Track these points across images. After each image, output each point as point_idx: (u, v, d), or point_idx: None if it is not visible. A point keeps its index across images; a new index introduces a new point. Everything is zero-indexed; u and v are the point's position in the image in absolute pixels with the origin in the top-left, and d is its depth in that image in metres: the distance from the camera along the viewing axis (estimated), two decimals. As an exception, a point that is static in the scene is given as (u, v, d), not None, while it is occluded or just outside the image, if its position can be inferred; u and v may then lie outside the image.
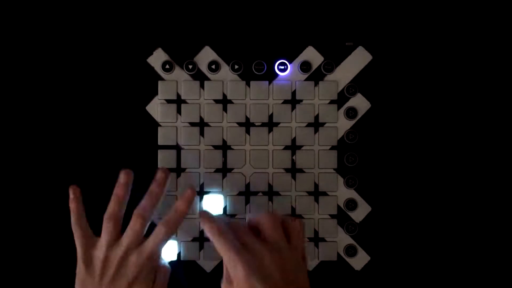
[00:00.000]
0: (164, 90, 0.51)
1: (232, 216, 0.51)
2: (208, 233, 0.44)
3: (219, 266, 0.52)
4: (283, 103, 0.52)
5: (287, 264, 0.43)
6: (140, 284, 0.46)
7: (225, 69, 0.52)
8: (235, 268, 0.42)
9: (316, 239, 0.52)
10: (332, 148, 0.52)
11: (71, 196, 0.49)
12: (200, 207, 0.51)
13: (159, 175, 0.48)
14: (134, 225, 0.47)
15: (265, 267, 0.42)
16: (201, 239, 0.51)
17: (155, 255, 0.46)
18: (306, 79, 0.52)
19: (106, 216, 0.47)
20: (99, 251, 0.47)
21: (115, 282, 0.46)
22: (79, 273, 0.47)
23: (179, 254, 0.51)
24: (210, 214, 0.45)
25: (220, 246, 0.43)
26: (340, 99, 0.52)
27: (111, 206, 0.48)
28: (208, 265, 0.52)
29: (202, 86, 0.52)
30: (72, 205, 0.48)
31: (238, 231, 0.44)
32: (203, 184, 0.51)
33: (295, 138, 0.52)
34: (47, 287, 0.52)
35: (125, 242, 0.46)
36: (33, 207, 0.51)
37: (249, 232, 0.44)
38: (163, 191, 0.48)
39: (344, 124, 0.52)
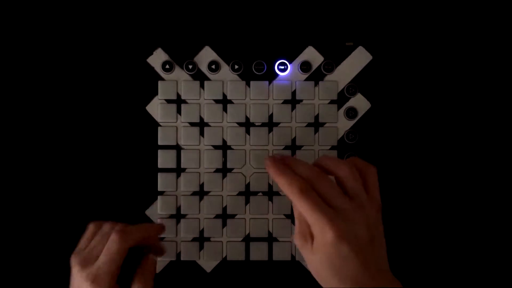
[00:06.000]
0: (164, 90, 0.51)
1: (232, 216, 0.51)
2: (286, 192, 0.41)
3: (219, 266, 0.52)
4: (283, 103, 0.52)
5: (370, 219, 0.41)
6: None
7: (225, 69, 0.52)
8: (323, 230, 0.40)
9: (316, 239, 0.52)
10: (332, 148, 0.52)
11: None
12: (201, 208, 0.51)
13: (158, 225, 0.48)
14: (103, 228, 0.45)
15: (354, 228, 0.40)
16: (201, 239, 0.51)
17: (106, 270, 0.42)
18: (306, 79, 0.52)
19: (93, 222, 0.46)
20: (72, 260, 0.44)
21: None
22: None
23: (179, 254, 0.51)
24: (280, 163, 0.42)
25: (302, 206, 0.40)
26: (340, 99, 0.52)
27: (106, 222, 0.46)
28: (208, 265, 0.52)
29: (202, 86, 0.52)
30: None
31: (319, 183, 0.41)
32: (203, 184, 0.51)
33: (295, 138, 0.52)
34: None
35: (89, 248, 0.44)
36: (33, 207, 0.51)
37: (331, 185, 0.41)
38: (153, 235, 0.47)
39: (344, 124, 0.52)
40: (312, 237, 0.41)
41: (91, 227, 0.46)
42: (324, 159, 0.44)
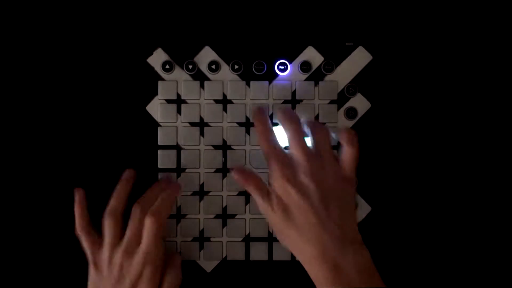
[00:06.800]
0: (164, 90, 0.51)
1: (232, 216, 0.51)
2: (258, 138, 0.48)
3: (219, 266, 0.52)
4: (283, 103, 0.52)
5: (328, 181, 0.45)
6: (145, 283, 0.46)
7: (225, 69, 0.52)
8: (274, 173, 0.45)
9: (316, 239, 0.52)
10: (332, 148, 0.52)
11: (76, 199, 0.49)
12: (201, 208, 0.51)
13: (175, 187, 0.50)
14: (134, 214, 0.47)
15: (300, 177, 0.45)
16: (201, 239, 0.51)
17: (153, 251, 0.46)
18: (306, 79, 0.52)
19: (106, 213, 0.48)
20: (104, 253, 0.47)
21: (120, 284, 0.46)
22: (90, 275, 0.48)
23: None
24: (262, 111, 0.49)
25: (266, 154, 0.47)
26: (340, 99, 0.52)
27: (111, 202, 0.48)
28: (208, 265, 0.52)
29: (202, 86, 0.52)
30: (77, 209, 0.49)
31: (294, 137, 0.46)
32: (203, 184, 0.51)
33: (295, 138, 0.51)
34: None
35: (125, 240, 0.47)
36: (32, 207, 0.51)
37: (302, 143, 0.46)
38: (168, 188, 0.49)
39: (344, 124, 0.52)
40: (269, 192, 0.46)
41: (110, 221, 0.47)
42: (311, 122, 0.48)
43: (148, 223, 0.46)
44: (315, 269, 0.44)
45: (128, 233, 0.47)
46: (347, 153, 0.46)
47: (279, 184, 0.45)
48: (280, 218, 0.45)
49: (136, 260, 0.46)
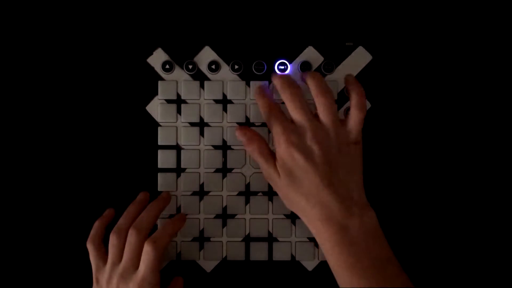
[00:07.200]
0: (164, 90, 0.51)
1: (232, 216, 0.51)
2: (260, 108, 0.49)
3: (219, 266, 0.52)
4: (283, 103, 0.52)
5: (332, 144, 0.45)
6: None
7: (225, 69, 0.52)
8: (279, 139, 0.46)
9: (316, 239, 0.52)
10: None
11: (104, 213, 0.50)
12: (201, 208, 0.51)
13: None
14: (129, 238, 0.47)
15: (306, 143, 0.45)
16: (201, 239, 0.51)
17: (150, 279, 0.45)
18: (306, 79, 0.52)
19: (113, 230, 0.47)
20: (106, 270, 0.47)
21: None
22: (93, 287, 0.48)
23: (179, 254, 0.51)
24: (264, 87, 0.50)
25: (268, 120, 0.47)
26: (340, 99, 0.52)
27: (120, 221, 0.48)
28: (208, 265, 0.52)
29: (202, 86, 0.52)
30: (97, 222, 0.49)
31: (294, 102, 0.46)
32: (203, 184, 0.51)
33: (295, 138, 0.51)
34: None
35: (121, 264, 0.46)
36: (32, 208, 0.51)
37: (302, 106, 0.46)
38: (161, 208, 0.49)
39: (344, 124, 0.52)
40: (273, 156, 0.47)
41: (114, 239, 0.47)
42: (314, 82, 0.47)
43: (148, 250, 0.45)
44: (321, 231, 0.44)
45: (125, 257, 0.46)
46: (354, 117, 0.47)
47: (283, 149, 0.45)
48: (286, 183, 0.45)
49: (132, 286, 0.45)
